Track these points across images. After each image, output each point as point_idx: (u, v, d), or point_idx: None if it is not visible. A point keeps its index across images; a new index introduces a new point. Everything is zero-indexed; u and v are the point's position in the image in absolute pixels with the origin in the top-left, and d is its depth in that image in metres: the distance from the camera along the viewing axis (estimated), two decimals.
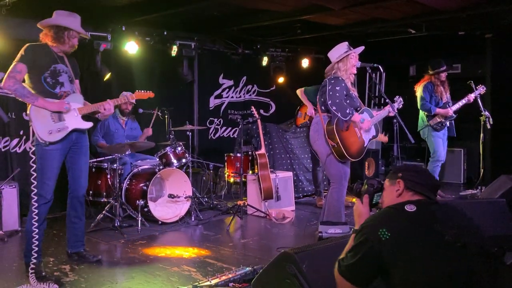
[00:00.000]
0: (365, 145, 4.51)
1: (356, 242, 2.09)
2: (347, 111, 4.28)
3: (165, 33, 6.66)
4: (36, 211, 3.53)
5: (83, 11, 5.66)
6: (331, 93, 4.29)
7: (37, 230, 3.55)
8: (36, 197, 3.54)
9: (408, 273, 1.93)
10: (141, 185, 5.43)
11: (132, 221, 5.35)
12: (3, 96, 5.60)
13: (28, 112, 3.72)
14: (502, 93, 7.49)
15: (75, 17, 3.92)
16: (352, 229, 2.28)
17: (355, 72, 4.51)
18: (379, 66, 4.58)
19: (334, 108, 4.28)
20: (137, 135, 6.14)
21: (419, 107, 6.56)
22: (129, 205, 5.41)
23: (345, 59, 4.39)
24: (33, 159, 3.62)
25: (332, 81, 4.35)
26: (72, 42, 3.88)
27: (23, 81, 3.75)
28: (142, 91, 4.36)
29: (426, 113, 6.51)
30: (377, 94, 9.20)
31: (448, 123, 6.53)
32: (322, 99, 4.46)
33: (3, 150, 5.66)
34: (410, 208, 2.08)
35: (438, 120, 6.42)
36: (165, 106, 6.35)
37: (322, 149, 4.49)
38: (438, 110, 6.42)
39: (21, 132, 5.77)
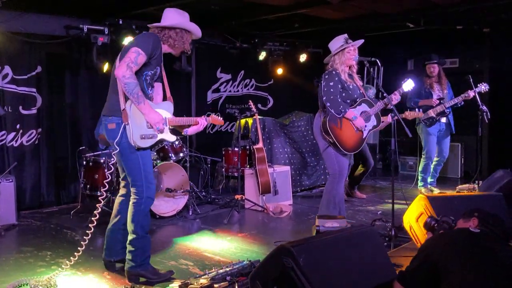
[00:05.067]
0: (363, 137, 4.51)
1: (416, 254, 2.25)
2: (340, 108, 4.33)
3: None
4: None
5: (79, 4, 5.68)
6: (325, 89, 4.37)
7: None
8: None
9: (458, 284, 2.01)
10: None
11: None
12: None
13: (125, 107, 3.34)
14: (500, 87, 7.49)
15: (188, 18, 3.59)
16: None
17: (353, 63, 4.49)
18: (377, 60, 4.56)
19: (328, 104, 4.35)
20: None
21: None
22: None
23: (340, 52, 4.42)
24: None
25: (326, 77, 4.42)
26: (188, 47, 3.64)
27: None
28: (217, 116, 3.98)
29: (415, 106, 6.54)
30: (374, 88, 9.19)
31: (444, 119, 6.49)
32: (319, 95, 4.50)
33: None
34: (474, 229, 2.23)
35: (429, 115, 6.41)
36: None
37: (320, 143, 4.59)
38: (422, 101, 6.44)
39: (18, 126, 5.76)
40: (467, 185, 6.76)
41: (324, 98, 4.35)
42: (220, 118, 4.01)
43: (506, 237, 2.30)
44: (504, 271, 2.01)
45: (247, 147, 6.64)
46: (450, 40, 8.10)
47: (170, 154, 5.74)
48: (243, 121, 6.73)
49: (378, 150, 8.90)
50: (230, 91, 7.99)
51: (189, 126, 3.71)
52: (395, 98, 4.51)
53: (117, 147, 3.40)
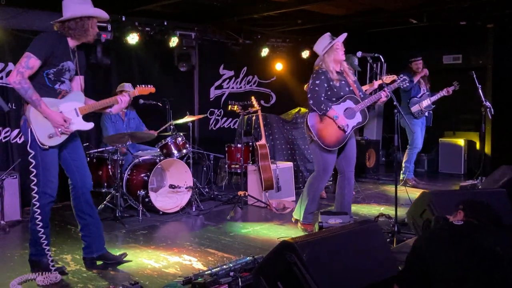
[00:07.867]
0: (346, 133, 4.48)
1: (407, 254, 2.33)
2: (322, 106, 4.38)
3: (165, 23, 6.63)
4: (39, 210, 3.47)
5: None
6: (311, 87, 4.45)
7: (43, 230, 3.49)
8: (37, 196, 3.45)
9: (444, 277, 2.10)
10: (142, 175, 5.44)
11: (133, 211, 5.37)
12: (2, 86, 5.60)
13: (25, 113, 3.42)
14: (503, 83, 7.48)
15: (89, 3, 3.56)
16: None
17: (343, 59, 4.50)
18: (380, 56, 4.55)
19: (311, 101, 4.42)
20: (136, 124, 6.13)
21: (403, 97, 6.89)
22: (130, 196, 5.42)
23: (330, 50, 4.45)
24: (33, 164, 3.44)
25: (314, 75, 4.48)
26: (96, 31, 3.61)
27: None
28: (143, 86, 3.99)
29: (407, 100, 6.84)
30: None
31: (427, 113, 6.85)
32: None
33: (3, 141, 5.67)
34: (457, 222, 2.31)
35: (419, 108, 6.73)
36: (166, 96, 6.34)
37: (307, 138, 4.69)
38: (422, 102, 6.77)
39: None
40: (470, 181, 6.76)
41: (309, 95, 4.43)
42: (150, 86, 3.99)
43: (494, 223, 2.32)
44: (482, 253, 2.09)
45: (250, 143, 6.65)
46: (453, 36, 8.08)
47: (173, 151, 5.75)
48: (246, 117, 6.73)
49: (381, 147, 8.89)
50: (233, 88, 7.99)
51: (111, 106, 3.79)
52: (384, 95, 4.50)
53: (30, 150, 3.42)
